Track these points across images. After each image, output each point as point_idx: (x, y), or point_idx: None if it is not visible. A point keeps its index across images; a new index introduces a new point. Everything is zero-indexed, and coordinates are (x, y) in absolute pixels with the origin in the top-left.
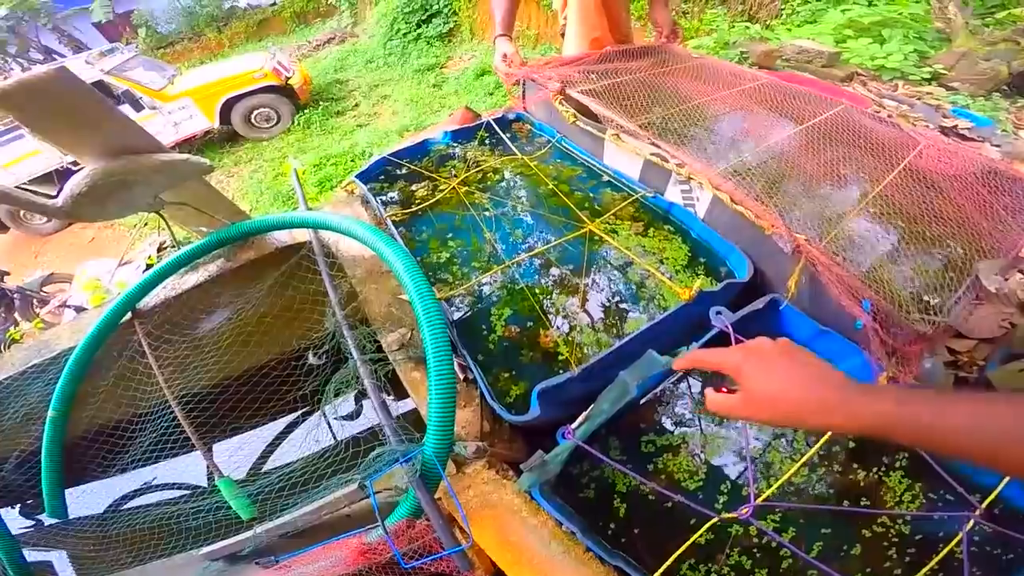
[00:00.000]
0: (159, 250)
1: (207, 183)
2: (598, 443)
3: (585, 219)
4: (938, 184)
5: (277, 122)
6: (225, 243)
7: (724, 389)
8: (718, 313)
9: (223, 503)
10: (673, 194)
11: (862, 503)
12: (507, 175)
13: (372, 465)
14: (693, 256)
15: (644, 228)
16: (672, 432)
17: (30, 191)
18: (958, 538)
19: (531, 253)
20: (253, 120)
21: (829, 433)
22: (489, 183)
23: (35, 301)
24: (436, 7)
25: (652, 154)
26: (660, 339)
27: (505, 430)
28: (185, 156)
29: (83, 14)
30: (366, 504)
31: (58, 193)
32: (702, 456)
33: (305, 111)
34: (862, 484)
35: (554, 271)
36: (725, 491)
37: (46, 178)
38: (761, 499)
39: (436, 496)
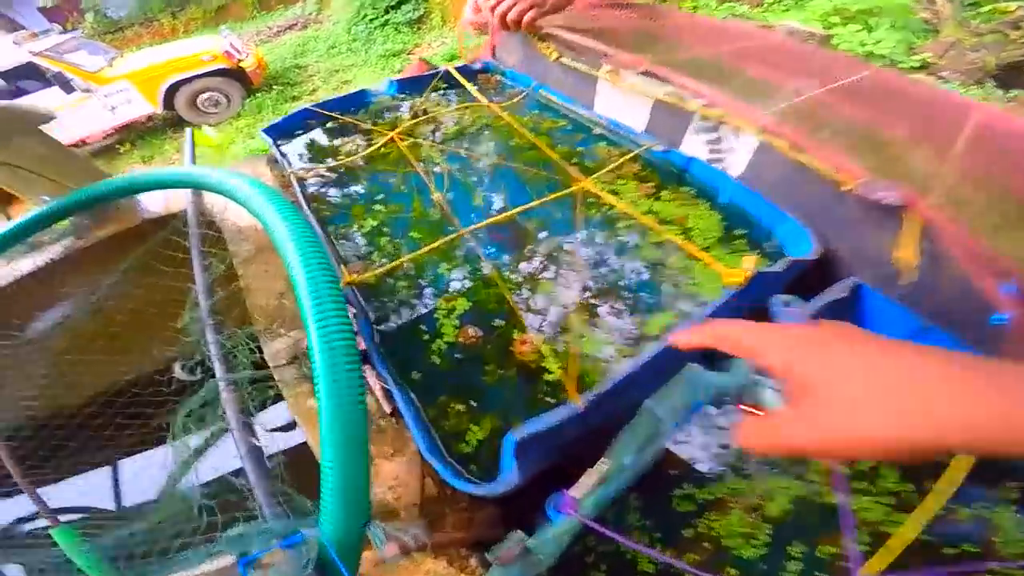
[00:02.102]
0: None
1: (48, 139)
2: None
3: (576, 176)
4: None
5: (227, 107)
6: (68, 214)
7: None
8: (786, 305)
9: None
10: (693, 145)
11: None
12: (467, 126)
13: (237, 543)
14: (727, 226)
15: (655, 190)
16: (716, 480)
17: None
18: None
19: (498, 217)
20: (200, 105)
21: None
22: (445, 135)
23: None
24: None
25: (666, 93)
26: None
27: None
28: (7, 103)
29: None
30: None
31: None
32: (764, 512)
33: (257, 95)
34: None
35: (534, 246)
36: (800, 560)
37: None
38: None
39: None
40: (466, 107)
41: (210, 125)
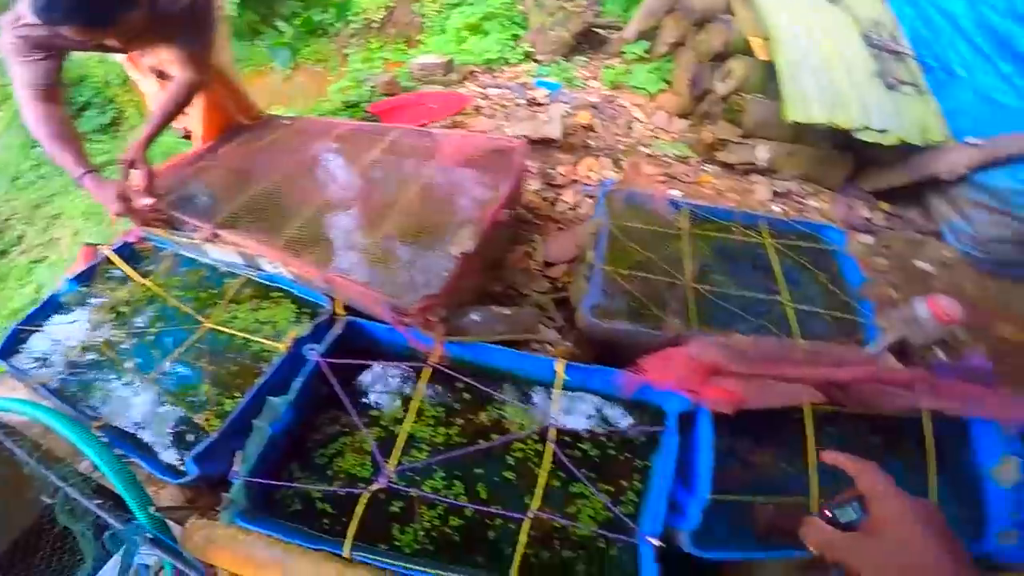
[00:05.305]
0: None
1: None
2: (284, 471)
3: (201, 319)
4: (449, 174)
5: None
6: None
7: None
8: (311, 349)
9: None
10: (267, 267)
11: (492, 437)
12: (136, 303)
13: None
14: (300, 309)
15: (259, 302)
16: (335, 441)
17: None
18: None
19: (169, 362)
20: None
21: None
22: (125, 317)
23: None
24: (84, 98)
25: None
26: (276, 386)
27: (205, 489)
28: None
29: None
30: None
31: None
32: (363, 449)
33: None
34: (488, 423)
35: (188, 370)
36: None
37: None
38: (391, 467)
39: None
40: (131, 289)
41: None
